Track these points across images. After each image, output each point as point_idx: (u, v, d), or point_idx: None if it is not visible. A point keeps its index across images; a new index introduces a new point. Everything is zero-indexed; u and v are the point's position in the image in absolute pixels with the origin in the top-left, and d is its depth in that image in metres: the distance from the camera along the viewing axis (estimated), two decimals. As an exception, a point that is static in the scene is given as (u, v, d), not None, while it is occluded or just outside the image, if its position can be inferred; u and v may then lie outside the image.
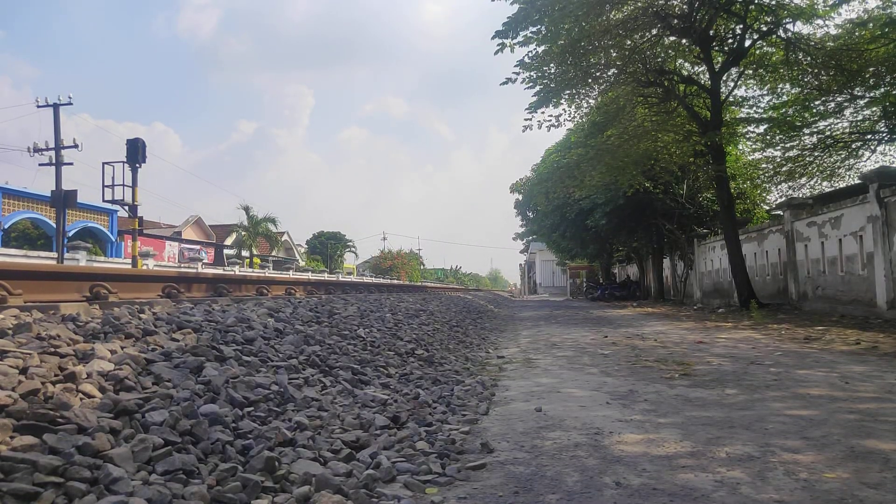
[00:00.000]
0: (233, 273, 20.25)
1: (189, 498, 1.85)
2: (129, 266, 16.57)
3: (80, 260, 15.91)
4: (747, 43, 14.98)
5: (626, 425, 3.33)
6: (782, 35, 14.53)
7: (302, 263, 51.67)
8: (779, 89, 16.69)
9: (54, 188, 21.53)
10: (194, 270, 18.64)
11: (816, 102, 16.17)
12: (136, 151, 16.94)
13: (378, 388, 3.89)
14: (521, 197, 35.25)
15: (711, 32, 15.03)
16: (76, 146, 24.93)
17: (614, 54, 15.20)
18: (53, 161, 23.56)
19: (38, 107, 24.67)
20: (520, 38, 13.64)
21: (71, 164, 24.32)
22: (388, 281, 43.06)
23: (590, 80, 15.84)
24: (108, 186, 17.61)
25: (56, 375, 2.40)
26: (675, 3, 14.89)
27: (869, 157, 17.91)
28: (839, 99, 15.97)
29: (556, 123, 15.92)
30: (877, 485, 2.29)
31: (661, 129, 17.17)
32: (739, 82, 16.98)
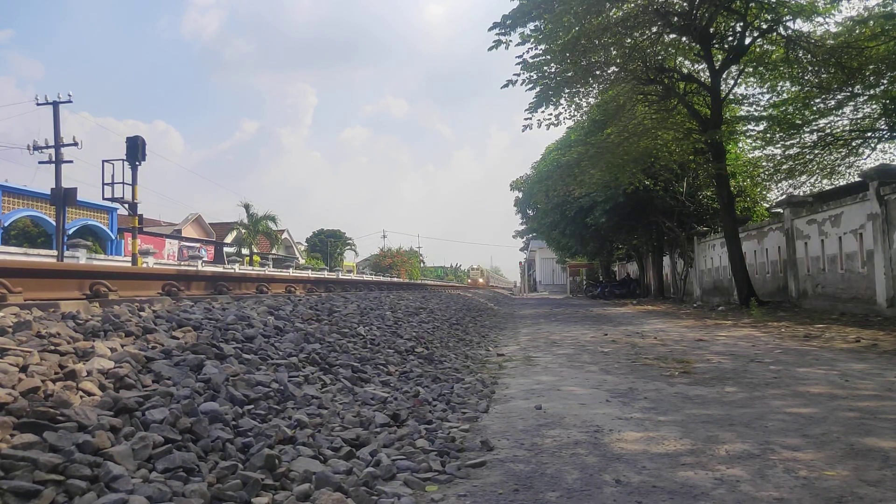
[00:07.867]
0: (233, 271, 20.25)
1: (189, 496, 1.85)
2: (129, 264, 16.56)
3: (80, 258, 15.89)
4: (747, 41, 14.97)
5: (625, 423, 3.33)
6: (782, 33, 14.52)
7: (302, 261, 51.65)
8: (779, 87, 16.68)
9: (54, 186, 21.50)
10: (194, 268, 18.63)
11: (816, 100, 16.16)
12: (135, 149, 16.92)
13: (378, 386, 3.89)
14: (521, 195, 35.21)
15: (712, 30, 15.01)
16: (76, 144, 24.98)
17: (614, 52, 15.16)
18: (53, 159, 23.58)
19: (38, 104, 24.70)
20: (517, 38, 13.62)
21: (71, 161, 24.40)
22: (388, 279, 43.05)
23: (590, 79, 15.81)
24: (107, 184, 17.57)
25: (56, 373, 2.40)
26: (676, 0, 14.87)
27: (869, 155, 17.94)
28: (839, 96, 15.96)
29: (555, 122, 15.89)
30: (876, 482, 2.29)
31: (661, 127, 17.16)
32: (739, 80, 16.96)
